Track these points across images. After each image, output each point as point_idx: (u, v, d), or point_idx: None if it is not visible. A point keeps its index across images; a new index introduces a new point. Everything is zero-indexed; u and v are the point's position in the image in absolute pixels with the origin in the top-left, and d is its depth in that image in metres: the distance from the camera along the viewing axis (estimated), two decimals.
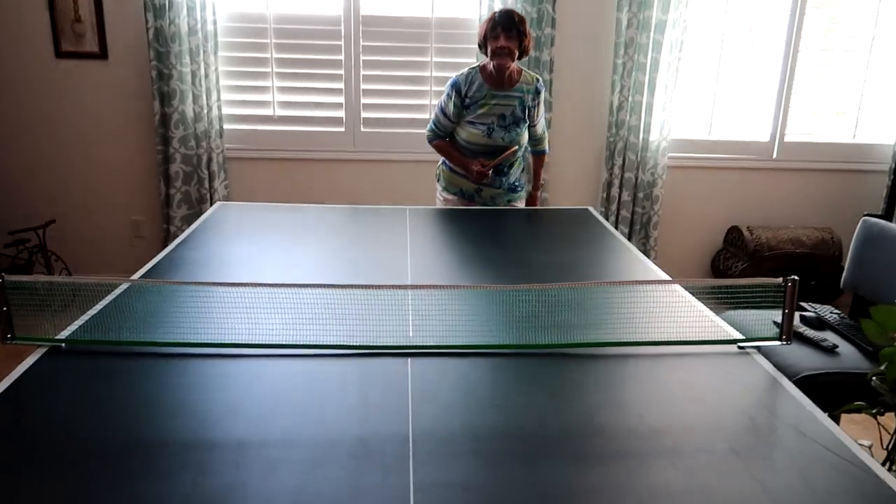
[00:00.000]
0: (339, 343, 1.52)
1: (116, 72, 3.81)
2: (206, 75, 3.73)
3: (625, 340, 1.58)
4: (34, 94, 3.82)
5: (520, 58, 2.72)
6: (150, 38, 3.64)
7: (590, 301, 1.80)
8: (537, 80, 2.81)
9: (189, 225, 3.95)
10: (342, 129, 3.97)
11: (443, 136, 2.89)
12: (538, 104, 2.82)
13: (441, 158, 2.96)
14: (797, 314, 2.57)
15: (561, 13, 3.76)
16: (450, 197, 2.96)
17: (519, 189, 2.96)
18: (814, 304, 2.63)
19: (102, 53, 3.78)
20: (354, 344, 1.52)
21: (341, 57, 3.86)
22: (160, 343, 1.50)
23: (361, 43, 3.84)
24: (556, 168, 4.06)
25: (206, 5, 3.63)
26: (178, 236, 3.93)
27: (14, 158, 3.91)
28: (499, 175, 2.88)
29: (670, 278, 1.80)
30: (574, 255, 2.26)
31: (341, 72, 3.89)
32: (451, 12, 3.82)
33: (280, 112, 3.93)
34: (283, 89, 3.90)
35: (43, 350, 1.48)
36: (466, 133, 2.79)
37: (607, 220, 4.06)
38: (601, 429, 1.24)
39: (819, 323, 2.49)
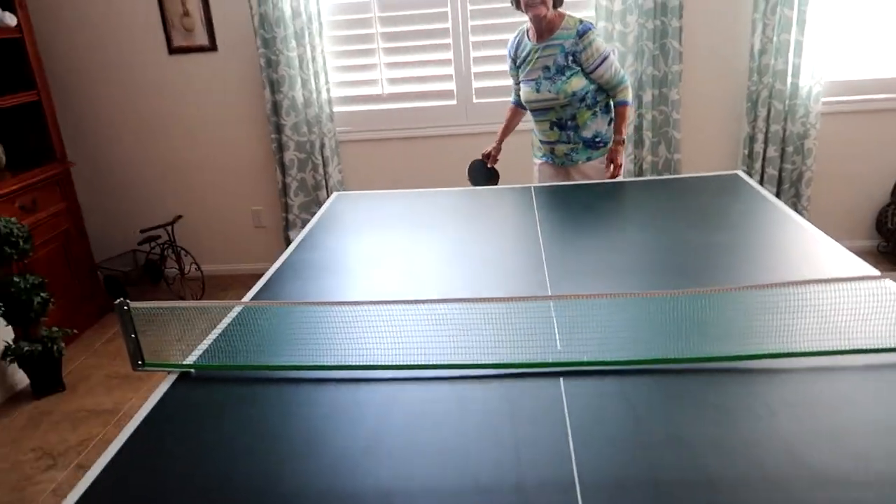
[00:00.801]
0: (480, 363, 1.34)
1: (227, 63, 3.80)
2: (314, 58, 3.64)
3: (817, 350, 1.30)
4: (151, 93, 3.89)
5: (556, 6, 2.56)
6: (255, 25, 3.58)
7: (770, 300, 1.51)
8: (580, 21, 2.57)
9: (307, 212, 3.93)
10: (454, 102, 3.77)
11: (518, 102, 2.84)
12: (586, 48, 2.54)
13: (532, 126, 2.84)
14: None
15: None
16: (537, 161, 2.88)
17: (601, 145, 2.71)
18: None
19: (212, 45, 3.77)
20: (498, 363, 1.34)
21: (448, 25, 3.65)
22: (287, 367, 1.39)
23: (469, 7, 3.60)
24: (688, 125, 3.67)
25: None
26: (296, 224, 3.93)
27: (138, 157, 4.02)
28: (563, 129, 2.67)
29: (874, 271, 1.48)
30: (732, 235, 1.96)
31: (449, 41, 3.67)
32: None
33: (389, 89, 3.79)
34: (390, 65, 3.74)
35: (174, 376, 1.41)
36: (523, 93, 2.71)
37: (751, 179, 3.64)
38: (815, 471, 1.00)
39: None
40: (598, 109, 2.66)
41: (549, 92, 2.60)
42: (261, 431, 1.20)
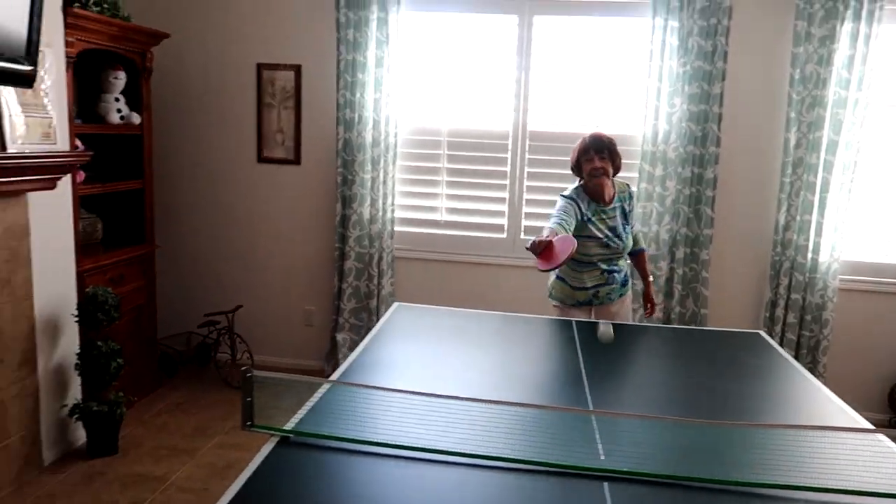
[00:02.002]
0: (536, 460, 1.59)
1: (307, 176, 4.28)
2: (384, 182, 4.10)
3: (824, 486, 1.53)
4: (236, 193, 4.36)
5: (614, 175, 2.92)
6: (339, 148, 4.09)
7: (782, 441, 1.76)
8: (627, 185, 3.02)
9: (356, 317, 4.25)
10: (503, 236, 4.17)
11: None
12: (632, 206, 3.01)
13: (552, 277, 3.03)
14: None
15: (726, 132, 3.81)
16: (567, 309, 3.00)
17: (626, 284, 3.06)
18: None
19: (297, 160, 4.27)
20: (557, 463, 1.58)
21: (507, 168, 4.12)
22: (372, 443, 1.65)
23: (527, 156, 4.08)
24: (715, 283, 4.00)
25: (390, 120, 4.03)
26: (344, 327, 4.23)
27: (212, 248, 4.44)
28: (612, 273, 2.96)
29: (865, 420, 1.73)
30: (752, 386, 2.22)
31: (506, 182, 4.13)
32: (615, 130, 3.98)
33: (447, 217, 4.22)
34: (451, 196, 4.19)
35: (275, 440, 1.67)
36: (585, 247, 2.84)
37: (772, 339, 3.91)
38: None
39: None
40: (624, 254, 3.05)
41: (617, 247, 2.91)
42: (348, 494, 1.45)
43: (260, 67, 4.19)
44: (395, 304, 3.03)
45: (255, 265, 4.43)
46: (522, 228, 4.16)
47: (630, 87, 3.95)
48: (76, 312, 3.18)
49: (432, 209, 4.24)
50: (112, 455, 3.25)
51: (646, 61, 3.80)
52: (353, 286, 4.23)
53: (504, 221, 4.17)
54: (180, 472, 3.14)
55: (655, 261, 3.94)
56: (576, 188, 2.94)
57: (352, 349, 4.19)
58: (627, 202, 2.97)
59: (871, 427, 1.86)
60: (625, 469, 1.57)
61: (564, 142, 3.97)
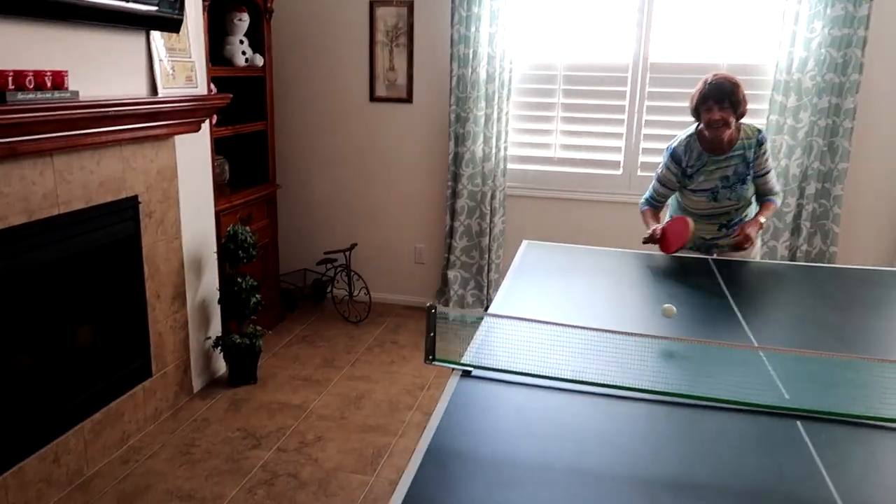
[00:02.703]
0: (727, 398, 1.59)
1: (419, 114, 4.28)
2: (498, 119, 4.05)
3: None
4: (350, 133, 4.41)
5: (740, 118, 2.64)
6: (452, 85, 4.04)
7: None
8: (758, 131, 2.69)
9: (467, 255, 4.29)
10: (619, 172, 4.08)
11: (655, 205, 2.90)
12: (761, 155, 2.69)
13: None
14: None
15: (870, 58, 3.55)
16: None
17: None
18: None
19: (409, 98, 4.26)
20: (740, 400, 1.58)
21: (625, 103, 3.99)
22: (547, 377, 1.68)
23: (647, 89, 3.93)
24: (848, 221, 3.81)
25: (506, 55, 3.95)
26: (455, 265, 4.28)
27: (329, 188, 4.54)
28: (730, 226, 2.79)
29: None
30: None
31: (623, 117, 4.01)
32: (742, 60, 3.78)
33: (561, 154, 4.14)
34: (565, 132, 4.11)
35: (458, 374, 1.73)
36: (690, 201, 2.78)
37: None
38: None
39: None
40: (754, 202, 2.84)
41: (730, 200, 2.72)
42: (549, 423, 1.49)
43: (373, 5, 4.16)
44: (525, 242, 3.03)
45: (368, 204, 4.51)
46: (639, 165, 4.05)
47: (764, 12, 3.71)
48: (216, 250, 3.34)
49: (545, 146, 4.17)
50: (252, 384, 3.45)
51: None
52: (464, 224, 4.25)
53: (620, 158, 4.07)
54: (317, 401, 3.31)
55: (784, 196, 3.76)
56: (689, 136, 2.76)
57: (463, 286, 4.26)
58: (753, 150, 2.67)
59: None
60: (816, 409, 1.55)
61: (688, 73, 3.80)
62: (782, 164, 3.75)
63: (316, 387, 3.46)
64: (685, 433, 1.48)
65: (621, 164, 4.08)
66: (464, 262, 4.34)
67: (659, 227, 2.76)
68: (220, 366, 3.54)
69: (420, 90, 4.24)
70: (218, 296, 3.39)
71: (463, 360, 1.78)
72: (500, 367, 1.73)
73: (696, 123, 2.75)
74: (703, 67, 3.78)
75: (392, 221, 4.51)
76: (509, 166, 4.20)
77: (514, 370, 1.72)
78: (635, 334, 1.80)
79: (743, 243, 2.66)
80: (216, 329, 3.47)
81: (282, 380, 3.52)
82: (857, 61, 3.52)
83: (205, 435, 2.99)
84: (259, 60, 3.75)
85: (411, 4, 4.10)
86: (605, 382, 1.65)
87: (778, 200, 2.82)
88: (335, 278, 4.42)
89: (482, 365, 1.75)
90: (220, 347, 3.38)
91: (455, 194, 4.22)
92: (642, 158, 4.04)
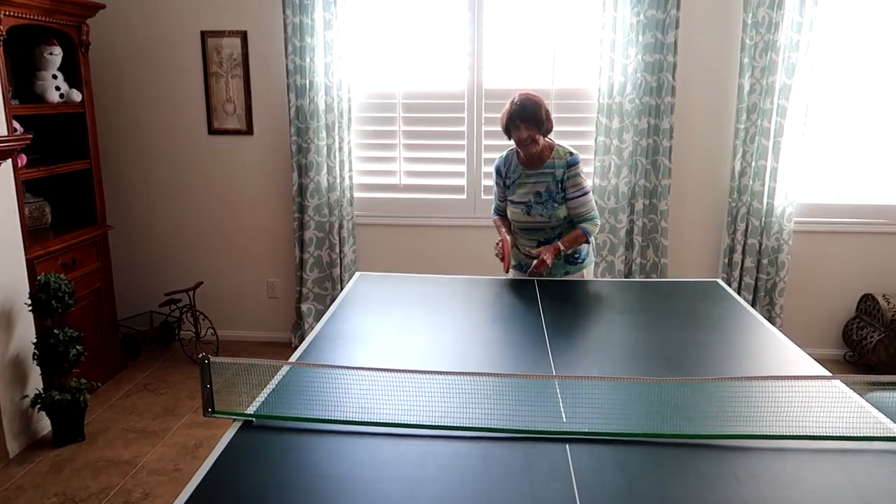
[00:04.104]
0: (500, 427, 1.61)
1: (260, 146, 4.18)
2: (340, 148, 4.03)
3: (779, 433, 1.58)
4: (188, 168, 4.25)
5: (546, 135, 2.76)
6: (291, 116, 3.98)
7: (739, 391, 1.80)
8: (569, 154, 2.78)
9: (319, 287, 4.22)
10: (464, 197, 4.15)
11: (501, 214, 3.01)
12: (572, 177, 2.76)
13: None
14: None
15: (681, 81, 3.81)
16: (512, 266, 2.99)
17: (578, 262, 2.91)
18: None
19: (249, 130, 4.16)
20: (515, 428, 1.60)
21: (464, 128, 4.07)
22: (333, 420, 1.64)
23: (483, 115, 4.03)
24: (675, 233, 4.05)
25: (343, 85, 3.93)
26: (309, 297, 4.20)
27: (169, 225, 4.34)
28: (543, 243, 2.83)
29: (828, 373, 1.79)
30: (710, 335, 2.27)
31: (464, 142, 4.09)
32: (570, 84, 3.96)
33: (406, 181, 4.17)
34: (409, 159, 4.14)
35: (238, 424, 1.66)
36: (512, 212, 2.89)
37: (729, 286, 3.98)
38: None
39: None
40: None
41: (542, 216, 2.79)
42: (314, 474, 1.45)
43: (204, 35, 4.03)
44: (357, 274, 3.00)
45: (214, 240, 4.35)
46: (482, 188, 4.13)
47: (584, 40, 3.90)
48: (29, 301, 3.09)
49: (390, 173, 4.18)
50: (79, 442, 3.21)
51: (599, 13, 3.75)
52: (314, 256, 4.18)
53: (463, 182, 4.14)
54: (150, 454, 3.12)
55: (616, 213, 3.96)
56: (510, 150, 2.91)
57: (318, 319, 4.17)
58: (562, 170, 2.75)
59: (828, 374, 1.92)
60: (585, 430, 1.60)
61: None
62: (612, 182, 3.94)
63: (151, 439, 3.26)
64: (451, 466, 1.48)
65: (465, 189, 4.15)
66: (317, 294, 4.26)
67: (501, 241, 2.82)
68: (45, 425, 3.27)
69: (260, 121, 4.15)
70: (34, 351, 3.14)
71: (249, 409, 1.72)
72: (284, 415, 1.68)
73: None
74: (535, 92, 3.92)
75: (241, 256, 4.36)
76: (356, 195, 4.17)
77: (297, 416, 1.67)
78: (422, 372, 1.79)
79: (536, 267, 2.70)
80: (36, 386, 3.21)
81: (113, 434, 3.29)
82: (669, 85, 3.77)
83: None
84: (76, 96, 3.54)
85: (245, 35, 4.01)
86: (385, 421, 1.64)
87: (590, 229, 2.81)
88: (181, 319, 4.21)
89: (267, 414, 1.70)
90: (38, 406, 3.12)
91: (302, 226, 4.15)
92: (485, 182, 4.13)
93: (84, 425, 3.25)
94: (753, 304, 4.01)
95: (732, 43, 3.80)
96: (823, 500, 1.36)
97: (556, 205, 2.79)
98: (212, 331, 4.24)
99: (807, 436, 1.58)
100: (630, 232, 4.02)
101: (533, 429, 1.60)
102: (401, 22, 3.97)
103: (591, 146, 3.95)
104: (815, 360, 2.03)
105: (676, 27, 3.70)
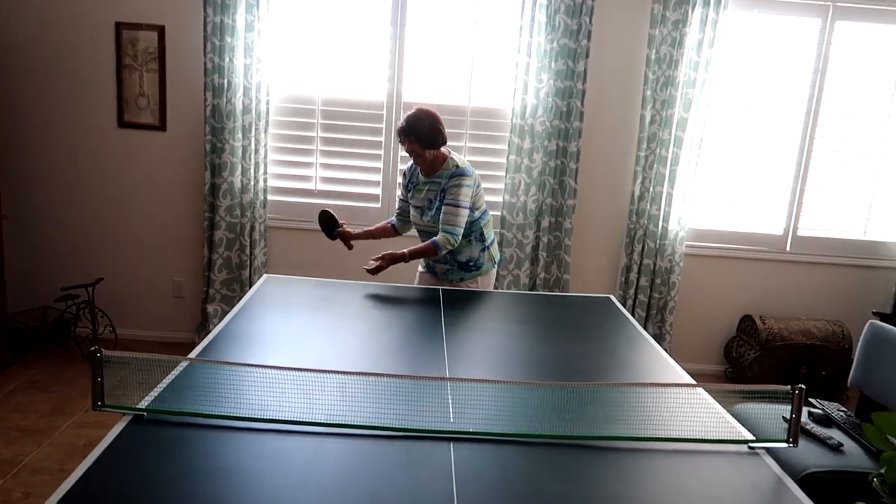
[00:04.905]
0: (389, 426, 1.69)
1: (173, 143, 4.11)
2: (256, 150, 4.02)
3: (645, 436, 1.74)
4: (94, 160, 4.12)
5: (432, 147, 2.90)
6: (206, 115, 3.95)
7: (614, 396, 1.96)
8: (456, 166, 2.94)
9: (227, 288, 4.18)
10: (378, 205, 4.22)
11: (401, 218, 3.25)
12: (450, 187, 2.90)
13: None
14: (806, 409, 2.71)
15: (589, 107, 4.03)
16: (421, 270, 3.26)
17: (473, 269, 3.07)
18: (822, 401, 2.77)
19: (161, 125, 4.08)
20: (404, 427, 1.69)
21: (381, 139, 4.15)
22: (227, 416, 1.68)
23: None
24: (577, 250, 4.26)
25: (262, 87, 3.94)
26: (216, 298, 4.15)
27: (70, 218, 4.19)
28: (451, 255, 3.04)
29: (692, 380, 1.96)
30: (596, 346, 2.43)
31: (380, 152, 4.16)
32: (486, 103, 4.11)
33: (321, 187, 4.20)
34: (325, 166, 4.18)
35: (128, 418, 1.66)
36: (412, 215, 3.14)
37: (625, 303, 4.23)
38: None
39: (826, 420, 2.62)
40: (472, 238, 3.05)
41: (430, 221, 3.01)
42: (204, 467, 1.48)
43: (119, 26, 3.94)
44: (265, 276, 3.02)
45: (118, 235, 4.23)
46: (397, 198, 4.21)
47: (501, 62, 4.07)
48: None
49: (306, 178, 4.21)
50: None
51: (516, 37, 3.92)
52: (224, 257, 4.14)
53: (378, 191, 4.22)
54: (35, 453, 3.01)
55: (523, 229, 4.14)
56: None
57: (217, 325, 4.12)
58: (445, 180, 2.93)
59: (693, 382, 2.10)
60: (470, 430, 1.70)
61: (441, 113, 4.03)
62: (521, 199, 4.11)
63: (37, 437, 3.14)
64: (339, 461, 1.54)
65: (380, 197, 4.22)
66: (224, 296, 4.21)
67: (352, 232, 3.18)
68: None
69: (174, 117, 4.08)
70: None
71: (141, 404, 1.73)
72: (176, 410, 1.70)
73: None
74: (451, 108, 4.07)
75: (146, 254, 4.26)
76: (270, 198, 4.17)
77: (189, 411, 1.69)
78: (314, 370, 1.85)
79: (373, 267, 2.93)
80: None
81: None
82: (577, 110, 3.98)
83: None
84: None
85: (162, 29, 3.95)
86: (277, 418, 1.68)
87: (440, 241, 2.89)
88: (78, 315, 4.07)
89: (159, 409, 1.71)
90: None
91: (213, 226, 4.10)
92: (398, 192, 4.20)
93: None
94: (646, 321, 4.27)
95: (637, 76, 4.07)
96: (676, 495, 1.51)
97: (439, 212, 2.97)
98: (110, 328, 4.11)
99: (668, 438, 1.74)
100: (536, 248, 4.20)
101: (419, 427, 1.69)
102: (324, 30, 4.02)
103: (503, 163, 4.11)
104: (698, 374, 2.23)
105: (587, 56, 3.92)
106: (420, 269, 3.26)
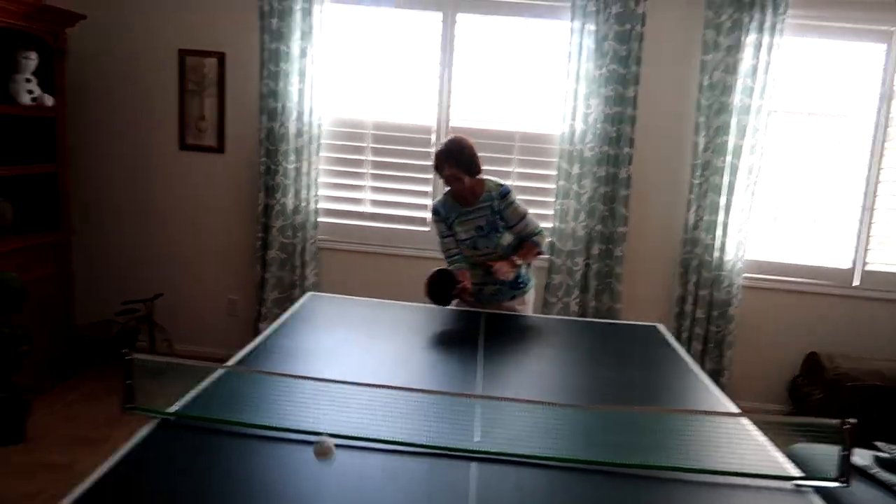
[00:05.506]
0: (411, 441, 1.66)
1: (230, 164, 4.25)
2: (308, 172, 4.11)
3: (680, 466, 1.65)
4: (157, 180, 4.31)
5: (472, 174, 2.91)
6: (261, 137, 4.08)
7: (651, 424, 1.87)
8: (500, 186, 2.96)
9: (279, 307, 4.25)
10: (426, 229, 4.23)
11: (456, 256, 3.06)
12: (507, 206, 2.94)
13: None
14: (872, 454, 2.52)
15: (639, 133, 3.96)
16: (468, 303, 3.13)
17: (522, 286, 3.08)
18: (892, 445, 2.58)
19: (220, 148, 4.24)
20: (426, 444, 1.65)
21: (430, 162, 4.17)
22: (253, 425, 1.69)
23: None
24: (629, 279, 4.14)
25: (314, 111, 4.04)
26: (268, 317, 4.23)
27: (133, 236, 4.37)
28: (489, 272, 2.96)
29: (737, 409, 1.86)
30: (640, 374, 2.34)
31: (430, 176, 4.19)
32: (534, 128, 4.10)
33: (371, 209, 4.25)
34: (375, 189, 4.23)
35: (156, 421, 1.69)
36: (461, 250, 3.04)
37: (680, 336, 4.08)
38: None
39: (894, 465, 2.44)
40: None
41: (487, 247, 2.97)
42: (222, 475, 1.49)
43: (182, 53, 4.14)
44: (308, 294, 3.06)
45: (177, 253, 4.38)
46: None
47: (549, 88, 4.05)
48: None
49: (357, 201, 4.27)
50: (17, 444, 3.18)
51: (564, 63, 3.91)
52: (276, 276, 4.22)
53: (427, 214, 4.23)
54: (87, 461, 3.10)
55: (573, 256, 4.06)
56: (444, 194, 3.07)
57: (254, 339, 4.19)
58: (496, 202, 2.93)
59: (737, 411, 1.99)
60: (493, 450, 1.65)
61: (486, 138, 4.05)
62: (570, 226, 4.04)
63: (91, 445, 3.24)
64: (357, 475, 1.52)
65: (428, 220, 4.24)
66: (276, 315, 4.25)
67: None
68: None
69: (232, 140, 4.23)
70: None
71: (171, 409, 1.76)
72: (203, 416, 1.72)
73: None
74: (499, 134, 4.07)
75: (203, 271, 4.39)
76: (321, 219, 4.25)
77: (213, 418, 1.71)
78: (355, 384, 1.84)
79: (494, 274, 2.88)
80: None
81: (53, 439, 3.27)
82: (627, 136, 3.91)
83: None
84: (48, 100, 3.61)
85: (222, 56, 4.12)
86: (302, 429, 1.68)
87: (540, 240, 3.02)
88: (138, 330, 4.21)
89: (186, 414, 1.73)
90: None
91: (266, 245, 4.20)
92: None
93: (24, 428, 3.22)
94: (703, 355, 4.10)
95: (689, 102, 3.97)
96: None
97: (498, 234, 2.94)
98: (167, 342, 4.23)
99: (704, 469, 1.64)
100: (585, 275, 4.12)
101: (440, 445, 1.66)
102: (374, 56, 4.10)
103: (552, 189, 4.07)
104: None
105: (637, 83, 3.86)
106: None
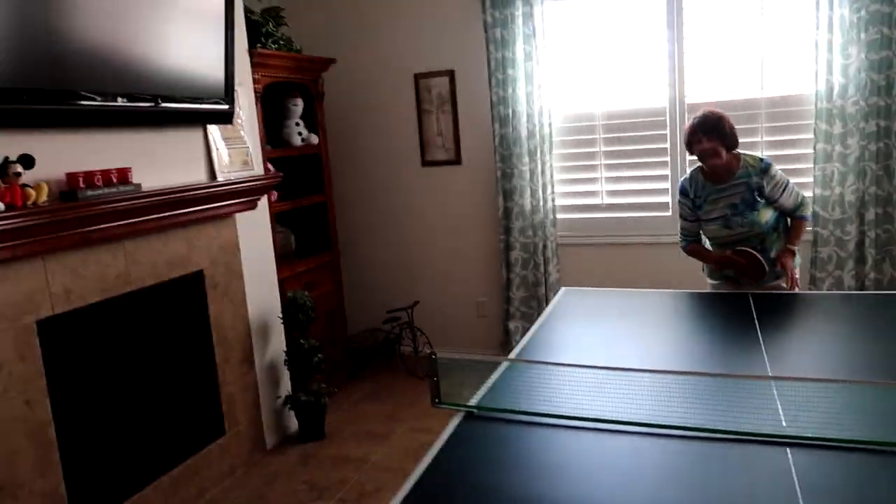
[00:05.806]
0: (716, 427, 1.62)
1: (468, 174, 4.49)
2: (542, 172, 4.20)
3: None
4: (406, 196, 4.69)
5: (732, 148, 2.74)
6: (496, 144, 4.24)
7: None
8: (760, 160, 2.77)
9: (526, 305, 4.38)
10: (668, 214, 4.09)
11: (693, 240, 2.98)
12: (769, 181, 2.75)
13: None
14: None
15: None
16: (714, 282, 3.00)
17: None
18: None
19: (458, 160, 4.49)
20: (734, 430, 1.60)
21: (666, 145, 4.04)
22: (547, 414, 1.76)
23: None
24: None
25: (543, 111, 4.12)
26: (516, 316, 4.39)
27: (389, 249, 4.80)
28: (761, 254, 2.77)
29: None
30: None
31: (667, 158, 4.05)
32: (781, 91, 3.77)
33: (608, 200, 4.22)
34: (610, 179, 4.19)
35: (461, 414, 1.85)
36: (707, 230, 2.89)
37: None
38: None
39: None
40: (781, 231, 2.84)
41: (742, 227, 2.77)
42: (534, 463, 1.58)
43: (416, 77, 4.47)
44: (563, 289, 3.11)
45: (428, 262, 4.73)
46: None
47: (795, 43, 3.70)
48: (281, 315, 3.62)
49: (592, 194, 4.26)
50: (320, 440, 3.65)
51: (812, 13, 3.55)
52: (520, 276, 4.37)
53: (667, 199, 4.09)
54: (378, 453, 3.46)
55: (842, 225, 3.67)
56: (692, 170, 2.93)
57: (524, 336, 4.33)
58: (756, 178, 2.74)
59: None
60: (808, 435, 1.55)
61: (728, 110, 3.76)
62: (836, 191, 3.65)
63: (379, 440, 3.62)
64: (664, 462, 1.52)
65: (669, 205, 4.09)
66: (523, 313, 4.43)
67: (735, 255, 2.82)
68: (293, 423, 3.77)
69: (467, 151, 4.47)
70: (285, 357, 3.65)
71: (470, 403, 1.90)
72: (502, 408, 1.84)
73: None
74: (741, 103, 3.81)
75: (452, 277, 4.69)
76: (558, 216, 4.31)
77: (515, 409, 1.82)
78: (643, 370, 1.85)
79: (793, 286, 2.78)
80: (286, 389, 3.72)
81: (347, 435, 3.71)
82: None
83: (273, 489, 3.20)
84: (314, 139, 4.11)
85: (452, 73, 4.37)
86: (598, 417, 1.72)
87: (806, 212, 2.86)
88: (401, 335, 4.61)
89: (487, 406, 1.86)
90: (289, 405, 3.62)
91: (508, 247, 4.36)
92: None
93: (324, 425, 3.69)
94: None
95: None
96: None
97: (755, 212, 2.76)
98: (428, 346, 4.58)
99: None
100: (861, 245, 3.69)
101: (751, 431, 1.59)
102: (598, 46, 4.07)
103: (808, 154, 3.71)
104: None
105: None
106: (713, 281, 3.03)
